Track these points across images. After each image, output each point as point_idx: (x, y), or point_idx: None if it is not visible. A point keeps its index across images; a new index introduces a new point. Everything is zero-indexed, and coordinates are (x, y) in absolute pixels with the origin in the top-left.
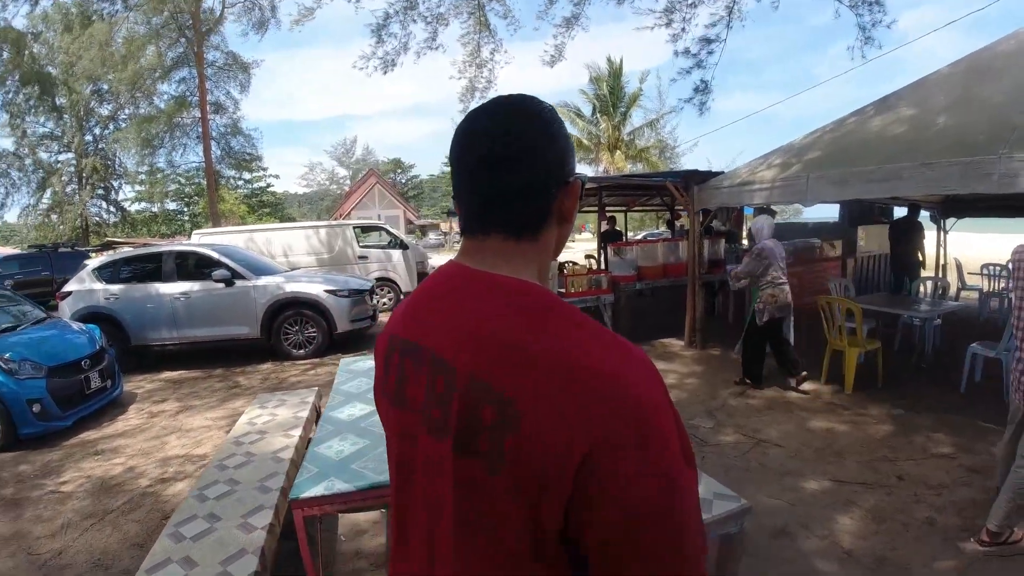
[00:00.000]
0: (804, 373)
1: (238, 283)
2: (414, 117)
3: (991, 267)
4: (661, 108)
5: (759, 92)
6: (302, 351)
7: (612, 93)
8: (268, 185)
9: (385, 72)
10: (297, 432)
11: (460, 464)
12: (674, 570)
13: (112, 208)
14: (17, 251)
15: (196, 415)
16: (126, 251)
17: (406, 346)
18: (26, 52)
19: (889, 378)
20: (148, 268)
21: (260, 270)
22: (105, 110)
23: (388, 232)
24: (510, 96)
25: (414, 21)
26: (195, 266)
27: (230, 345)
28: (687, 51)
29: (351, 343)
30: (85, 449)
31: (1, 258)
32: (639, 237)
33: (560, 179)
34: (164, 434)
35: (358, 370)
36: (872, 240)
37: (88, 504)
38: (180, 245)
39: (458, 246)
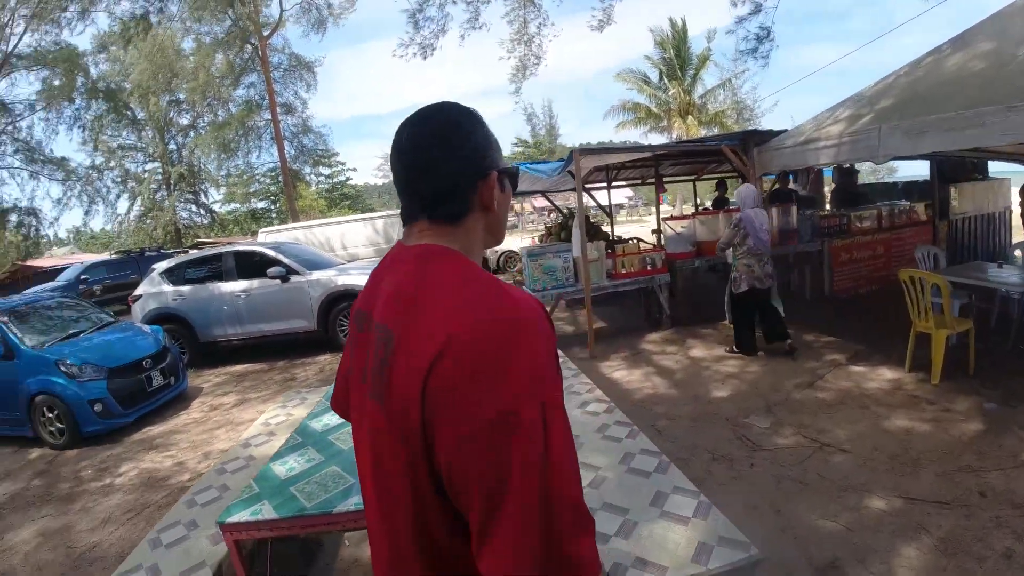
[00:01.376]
0: (790, 342)
1: (293, 279)
2: (479, 102)
3: None
4: (734, 68)
5: (845, 42)
6: None
7: (678, 56)
8: (347, 179)
9: (424, 58)
10: None
11: (372, 409)
12: (518, 520)
13: (202, 211)
14: (105, 257)
15: (249, 408)
16: (192, 253)
17: (359, 316)
18: (82, 69)
19: (983, 365)
20: (210, 269)
21: (314, 264)
22: (184, 120)
23: None
24: (428, 109)
25: (453, 2)
26: (253, 264)
27: (293, 338)
28: None
29: None
30: (145, 444)
31: (88, 264)
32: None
33: (477, 175)
34: (216, 427)
35: None
36: (967, 200)
37: (132, 498)
38: (237, 245)
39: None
